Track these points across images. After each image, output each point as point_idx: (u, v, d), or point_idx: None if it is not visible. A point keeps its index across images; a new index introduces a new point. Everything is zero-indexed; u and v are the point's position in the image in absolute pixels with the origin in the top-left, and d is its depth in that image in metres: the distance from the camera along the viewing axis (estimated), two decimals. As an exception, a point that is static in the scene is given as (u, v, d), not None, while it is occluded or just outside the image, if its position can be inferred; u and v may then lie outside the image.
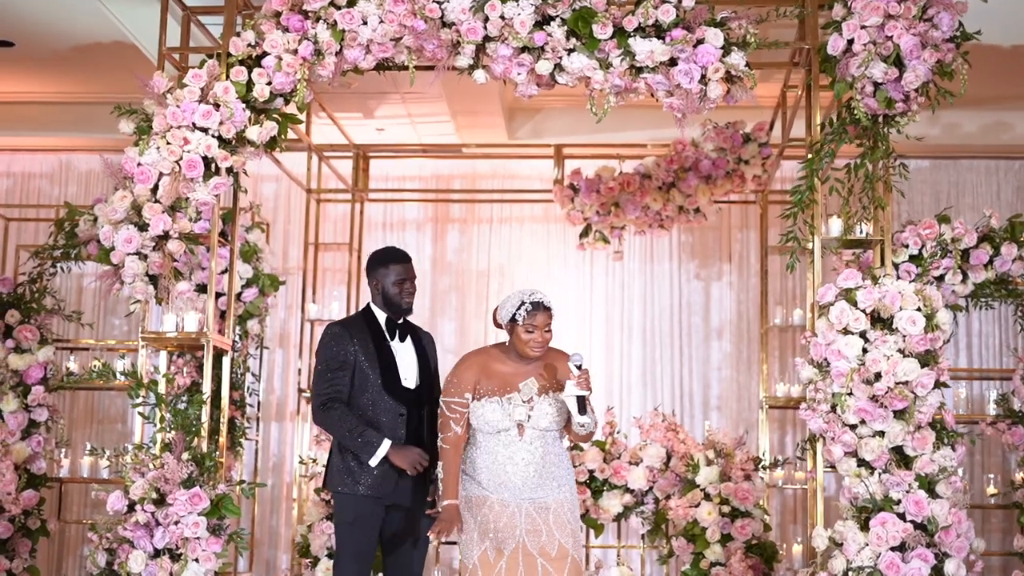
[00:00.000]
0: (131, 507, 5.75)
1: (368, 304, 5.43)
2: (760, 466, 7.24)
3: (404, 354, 5.32)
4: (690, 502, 7.02)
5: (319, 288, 9.22)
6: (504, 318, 4.96)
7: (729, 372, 9.63)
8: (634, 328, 9.73)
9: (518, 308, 4.89)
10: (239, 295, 7.25)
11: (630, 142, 8.85)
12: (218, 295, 6.70)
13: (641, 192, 8.35)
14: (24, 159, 10.00)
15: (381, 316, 5.35)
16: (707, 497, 7.01)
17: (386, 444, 5.08)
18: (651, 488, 7.40)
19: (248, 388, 7.47)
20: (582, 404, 4.78)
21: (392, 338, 5.32)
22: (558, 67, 5.82)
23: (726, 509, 6.95)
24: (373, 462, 5.08)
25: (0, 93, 9.07)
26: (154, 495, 5.71)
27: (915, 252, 6.52)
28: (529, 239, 9.90)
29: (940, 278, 6.62)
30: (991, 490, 7.91)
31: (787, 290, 9.42)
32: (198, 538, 5.71)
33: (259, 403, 7.89)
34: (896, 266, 6.30)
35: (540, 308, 4.88)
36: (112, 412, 9.65)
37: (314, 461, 7.37)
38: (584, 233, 8.72)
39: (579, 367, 4.82)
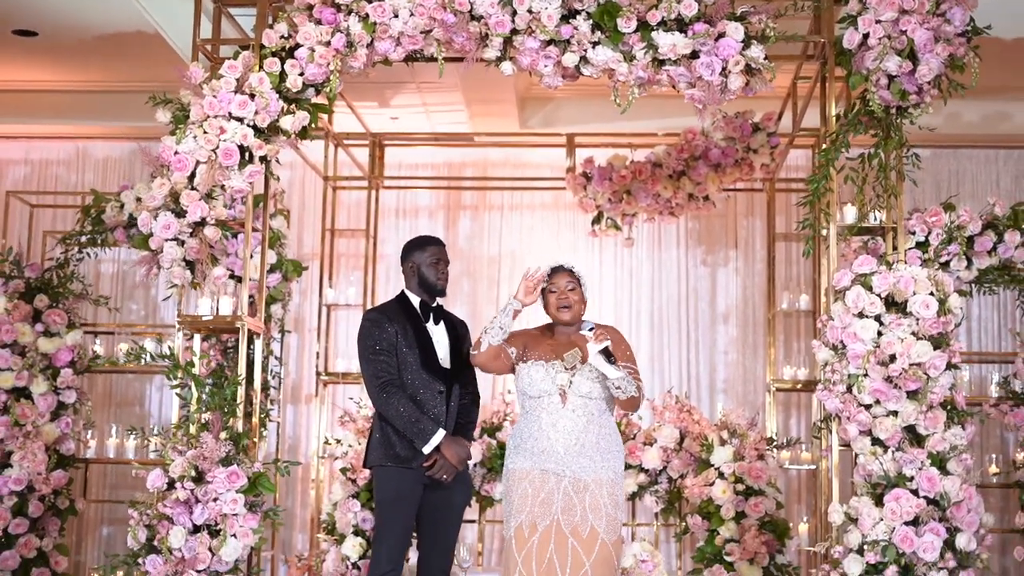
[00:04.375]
0: (171, 485, 5.94)
1: (403, 291, 5.64)
2: (773, 446, 7.45)
3: (439, 336, 5.54)
4: (705, 481, 7.23)
5: (334, 274, 9.39)
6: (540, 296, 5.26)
7: (735, 356, 9.80)
8: (642, 313, 9.89)
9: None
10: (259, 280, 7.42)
11: (640, 131, 8.98)
12: (238, 279, 6.88)
13: (652, 180, 8.51)
14: (42, 146, 10.14)
15: (415, 300, 5.57)
16: (721, 476, 7.23)
17: (440, 433, 5.29)
18: (665, 468, 7.60)
19: (271, 371, 7.66)
20: (607, 355, 4.97)
21: (427, 320, 5.53)
22: (583, 59, 6.00)
23: (740, 488, 7.16)
24: (426, 449, 5.28)
25: (22, 82, 9.21)
26: (193, 473, 5.89)
27: (921, 239, 6.70)
28: (540, 226, 10.04)
29: (945, 264, 6.82)
30: (993, 469, 8.15)
31: (792, 276, 9.58)
32: (236, 515, 5.89)
33: (280, 385, 8.07)
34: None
35: (558, 270, 5.22)
36: (129, 395, 9.82)
37: (339, 442, 7.55)
38: (596, 220, 8.89)
39: (590, 329, 5.05)
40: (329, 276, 9.23)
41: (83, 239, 7.78)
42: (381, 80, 8.40)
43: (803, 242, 6.41)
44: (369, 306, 9.11)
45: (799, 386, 8.70)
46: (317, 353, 9.14)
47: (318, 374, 9.05)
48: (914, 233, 6.67)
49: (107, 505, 9.48)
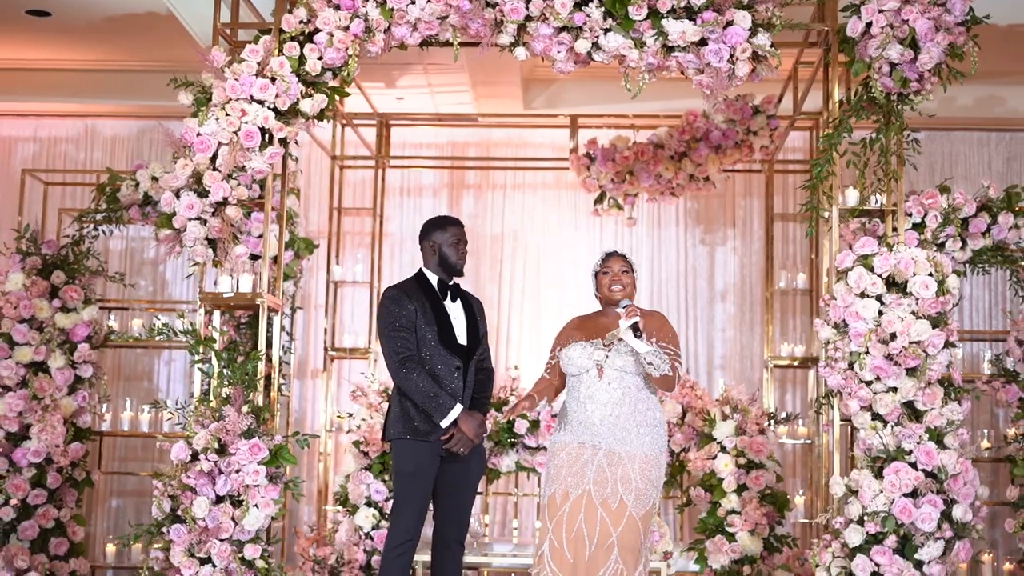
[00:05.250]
0: (194, 456, 6.12)
1: (420, 269, 5.82)
2: (772, 421, 7.67)
3: (456, 313, 5.73)
4: (708, 454, 7.45)
5: (341, 251, 9.56)
6: (592, 279, 5.52)
7: (732, 333, 9.97)
8: (642, 291, 9.93)
9: (596, 262, 5.52)
10: (276, 258, 7.58)
11: (642, 112, 9.12)
12: (254, 257, 7.05)
13: (654, 161, 8.69)
14: (51, 124, 10.25)
15: (434, 278, 5.75)
16: (723, 450, 7.45)
17: (458, 408, 5.48)
18: (667, 442, 7.78)
19: (283, 347, 7.82)
20: (636, 330, 5.16)
21: (444, 298, 5.72)
22: (595, 46, 6.17)
23: (742, 461, 7.38)
24: (444, 423, 5.47)
25: (33, 61, 9.33)
26: (216, 445, 6.07)
27: (917, 220, 6.89)
28: (542, 205, 10.19)
29: (941, 245, 7.02)
30: (984, 444, 8.37)
31: (789, 255, 9.75)
32: (258, 485, 6.08)
33: (292, 361, 8.23)
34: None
35: (612, 255, 5.52)
36: (138, 369, 9.97)
37: (351, 416, 7.74)
38: (599, 200, 9.07)
39: (625, 306, 5.27)
40: (336, 254, 9.40)
41: (98, 217, 7.92)
42: (389, 61, 8.53)
43: (801, 222, 6.58)
44: (376, 283, 9.31)
45: (795, 363, 8.91)
46: (325, 329, 9.32)
47: (326, 350, 9.23)
48: (911, 215, 6.86)
49: (116, 477, 9.62)
